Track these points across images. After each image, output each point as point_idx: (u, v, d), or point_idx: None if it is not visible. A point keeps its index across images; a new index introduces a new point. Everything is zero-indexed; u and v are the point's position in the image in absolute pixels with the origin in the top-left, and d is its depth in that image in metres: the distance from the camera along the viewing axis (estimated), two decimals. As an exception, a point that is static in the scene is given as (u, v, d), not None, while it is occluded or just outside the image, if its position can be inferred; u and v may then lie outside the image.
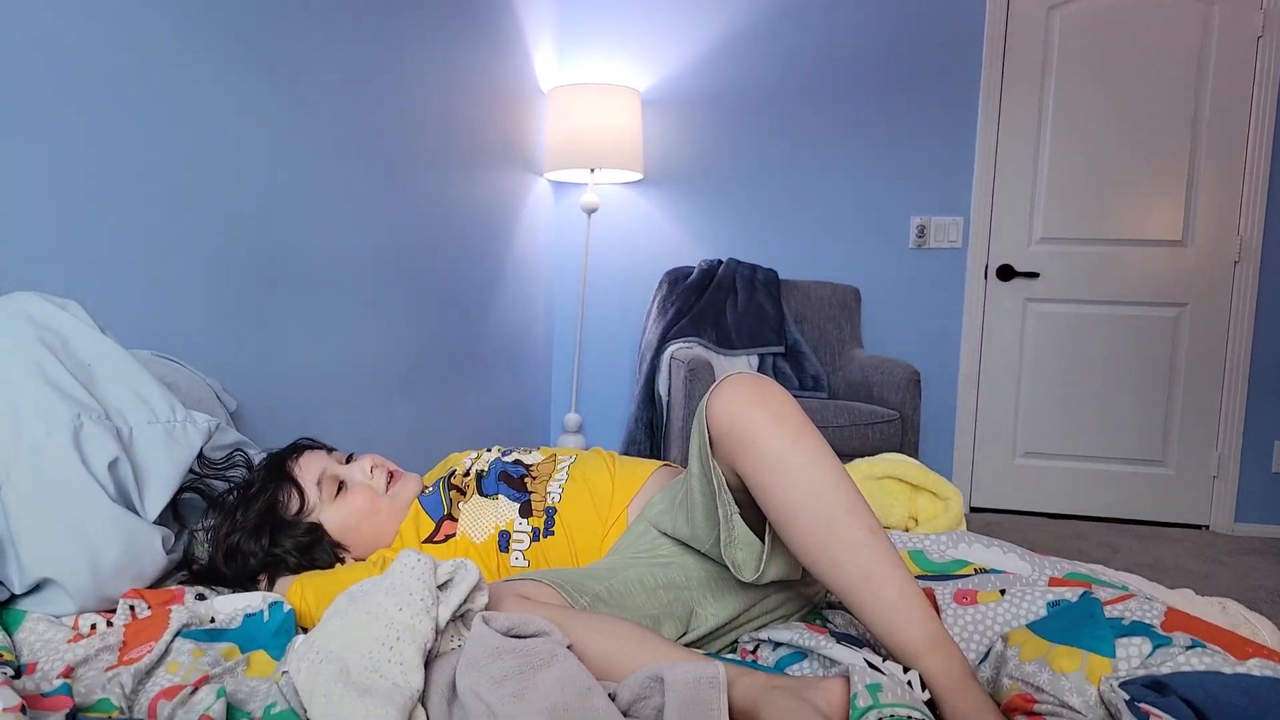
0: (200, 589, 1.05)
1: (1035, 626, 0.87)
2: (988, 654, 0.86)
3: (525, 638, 0.78)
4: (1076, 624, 0.84)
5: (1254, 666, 0.71)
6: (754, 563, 0.91)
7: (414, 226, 2.39)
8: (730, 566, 0.92)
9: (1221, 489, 3.34)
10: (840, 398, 3.15)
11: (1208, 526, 3.37)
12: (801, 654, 0.89)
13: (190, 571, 1.13)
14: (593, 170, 3.46)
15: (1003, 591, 0.93)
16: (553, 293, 3.77)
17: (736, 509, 0.92)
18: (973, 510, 3.54)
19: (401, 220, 2.32)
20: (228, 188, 1.68)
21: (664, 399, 3.18)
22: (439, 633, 0.80)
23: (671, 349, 3.17)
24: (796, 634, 0.89)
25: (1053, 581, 0.95)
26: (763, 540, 0.91)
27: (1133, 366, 3.40)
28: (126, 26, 1.44)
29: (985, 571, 1.01)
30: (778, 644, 0.92)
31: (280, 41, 1.80)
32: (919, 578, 1.06)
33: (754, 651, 0.94)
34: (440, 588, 0.83)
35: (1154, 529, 3.35)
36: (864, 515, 0.87)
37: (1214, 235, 3.31)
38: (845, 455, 2.71)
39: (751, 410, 0.89)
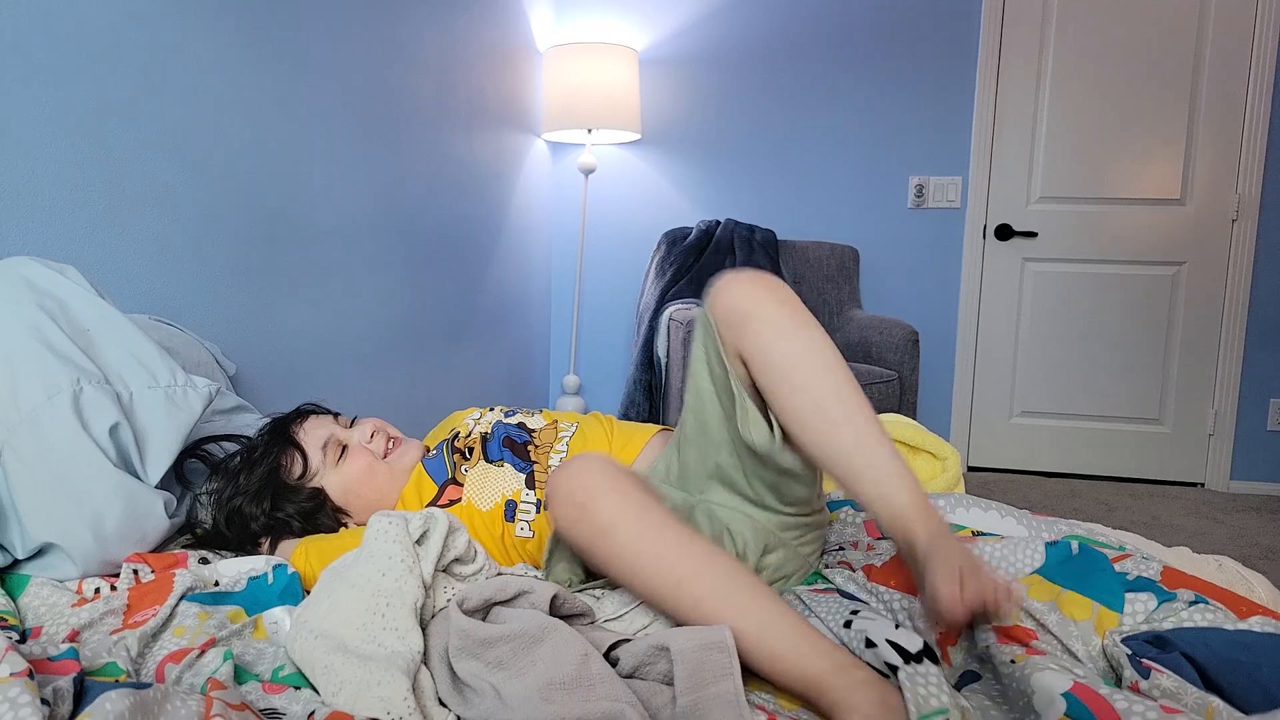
0: (204, 553, 1.06)
1: (1045, 572, 0.88)
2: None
3: (509, 602, 0.77)
4: (1086, 573, 0.84)
5: (1255, 624, 0.72)
6: (767, 433, 0.93)
7: (411, 187, 2.37)
8: (747, 440, 0.94)
9: (1217, 447, 3.36)
10: (838, 359, 3.15)
11: (1204, 484, 3.40)
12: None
13: (194, 535, 1.14)
14: (590, 131, 3.42)
15: (1002, 539, 0.94)
16: (551, 254, 3.75)
17: (745, 390, 0.95)
18: (970, 469, 3.56)
19: (399, 181, 2.30)
20: (226, 150, 1.66)
21: (662, 360, 3.17)
22: (428, 589, 0.80)
23: (670, 310, 3.16)
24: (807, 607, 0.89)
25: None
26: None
27: (1129, 325, 3.40)
28: (112, -16, 1.41)
29: (982, 534, 1.02)
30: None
31: (276, 6, 1.76)
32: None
33: None
34: (417, 543, 0.83)
35: (1150, 487, 3.38)
36: (856, 387, 0.93)
37: (1212, 193, 3.29)
38: (843, 416, 2.72)
39: (755, 288, 0.95)
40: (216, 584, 0.98)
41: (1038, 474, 3.51)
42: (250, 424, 1.40)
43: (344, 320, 2.07)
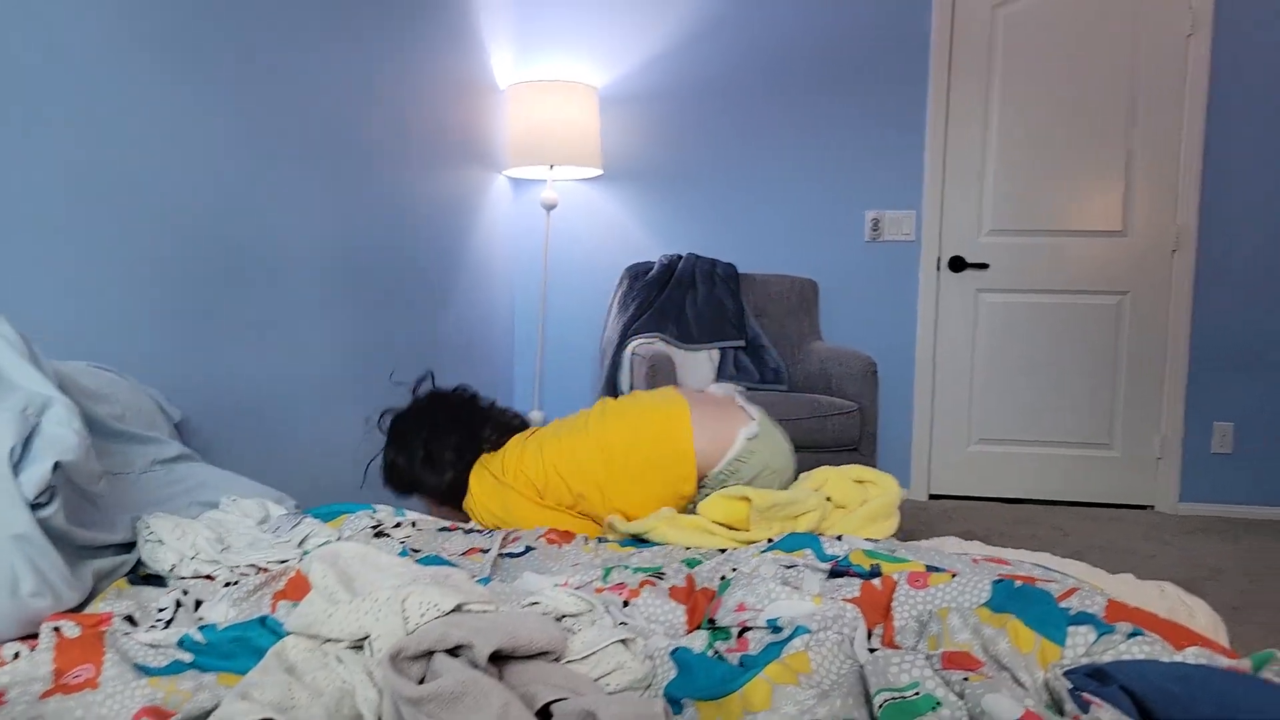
0: (129, 610, 1.03)
1: (992, 605, 0.92)
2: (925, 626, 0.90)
3: (450, 651, 0.77)
4: (1031, 606, 0.89)
5: (1190, 655, 0.76)
6: None
7: (370, 224, 2.39)
8: None
9: (1165, 470, 3.47)
10: (800, 390, 3.21)
11: (1153, 507, 3.50)
12: (794, 632, 0.90)
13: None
14: (551, 167, 3.47)
15: (954, 575, 0.99)
16: (514, 289, 3.77)
17: None
18: (931, 498, 3.64)
19: (357, 218, 2.31)
20: (172, 188, 1.66)
21: (626, 394, 3.21)
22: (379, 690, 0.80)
23: (633, 345, 3.20)
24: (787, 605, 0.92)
25: (1001, 576, 1.00)
26: None
27: (1079, 353, 3.51)
28: (60, 17, 1.43)
29: (933, 569, 1.07)
30: (776, 627, 0.93)
31: (228, 38, 1.78)
32: (873, 566, 1.10)
33: (741, 636, 0.96)
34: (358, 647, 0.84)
35: (1103, 510, 3.48)
36: None
37: (1152, 225, 3.43)
38: (808, 447, 2.78)
39: None
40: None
41: (996, 500, 3.59)
42: (195, 472, 1.41)
43: (299, 361, 2.08)
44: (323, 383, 2.16)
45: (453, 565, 1.22)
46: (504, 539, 1.38)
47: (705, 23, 3.60)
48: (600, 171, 3.59)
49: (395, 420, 1.77)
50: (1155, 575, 2.71)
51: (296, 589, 1.08)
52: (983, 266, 3.54)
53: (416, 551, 1.33)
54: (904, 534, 3.08)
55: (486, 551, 1.33)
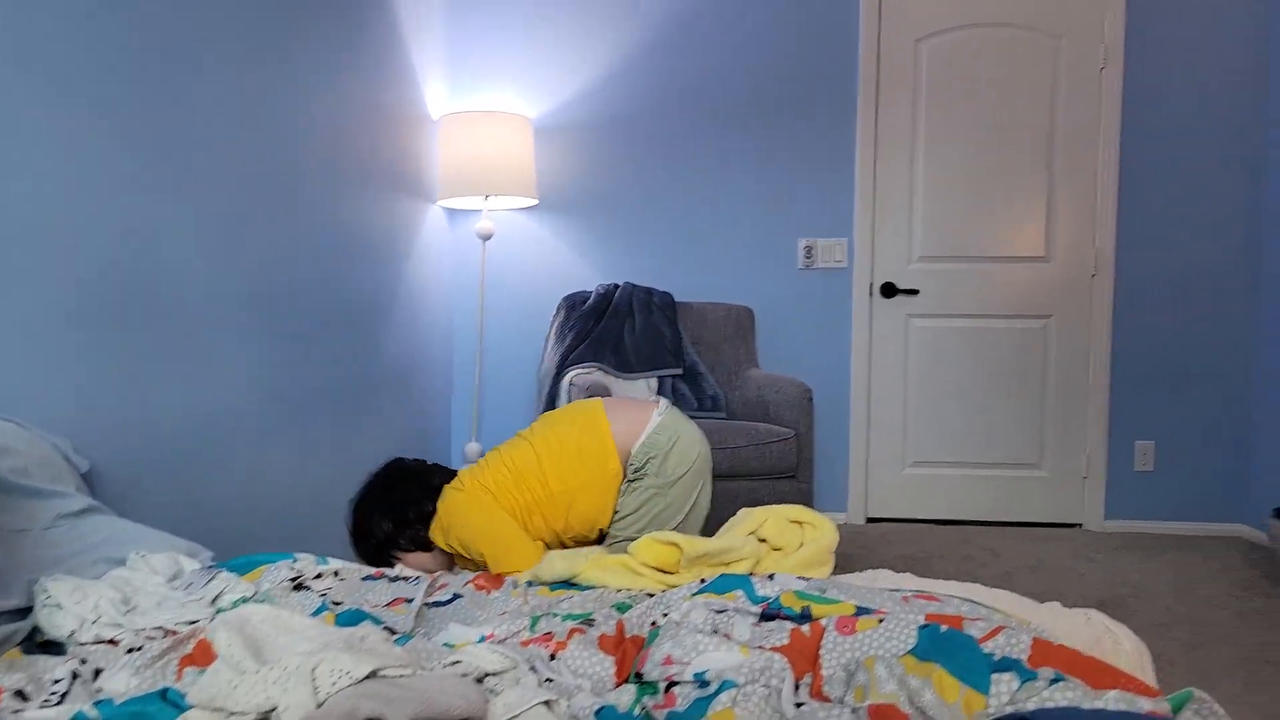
0: (20, 684, 0.96)
1: (917, 653, 0.92)
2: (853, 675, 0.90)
3: None
4: (956, 653, 0.89)
5: (1111, 700, 0.77)
6: None
7: (300, 257, 2.33)
8: None
9: (1091, 488, 3.56)
10: (738, 417, 3.22)
11: (1081, 525, 3.59)
12: (721, 687, 0.89)
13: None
14: (486, 197, 3.44)
15: (881, 620, 0.98)
16: (450, 321, 3.72)
17: None
18: (868, 521, 3.67)
19: (285, 250, 2.25)
20: (74, 222, 1.59)
21: (564, 426, 3.17)
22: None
23: (570, 374, 3.17)
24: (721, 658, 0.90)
25: (928, 617, 1.00)
26: None
27: (1007, 375, 3.59)
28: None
29: (863, 610, 1.06)
30: (703, 681, 0.91)
31: (135, 66, 1.73)
32: (804, 609, 1.10)
33: (668, 691, 0.94)
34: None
35: (1034, 530, 3.55)
36: None
37: (1072, 251, 3.54)
38: (746, 475, 2.78)
39: None
40: None
41: (932, 522, 3.64)
42: (102, 526, 1.35)
43: (221, 402, 2.00)
44: (248, 423, 2.09)
45: (374, 620, 1.18)
46: (429, 587, 1.34)
47: (639, 53, 3.63)
48: (536, 201, 3.57)
49: (355, 506, 1.93)
50: (1084, 593, 2.77)
51: (205, 654, 1.03)
52: (913, 292, 3.61)
53: (338, 604, 1.29)
54: (842, 558, 3.10)
55: (411, 601, 1.28)
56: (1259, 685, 2.12)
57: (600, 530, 1.86)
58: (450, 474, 1.95)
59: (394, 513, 1.86)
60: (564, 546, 1.90)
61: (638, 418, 1.89)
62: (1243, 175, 3.44)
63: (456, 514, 1.79)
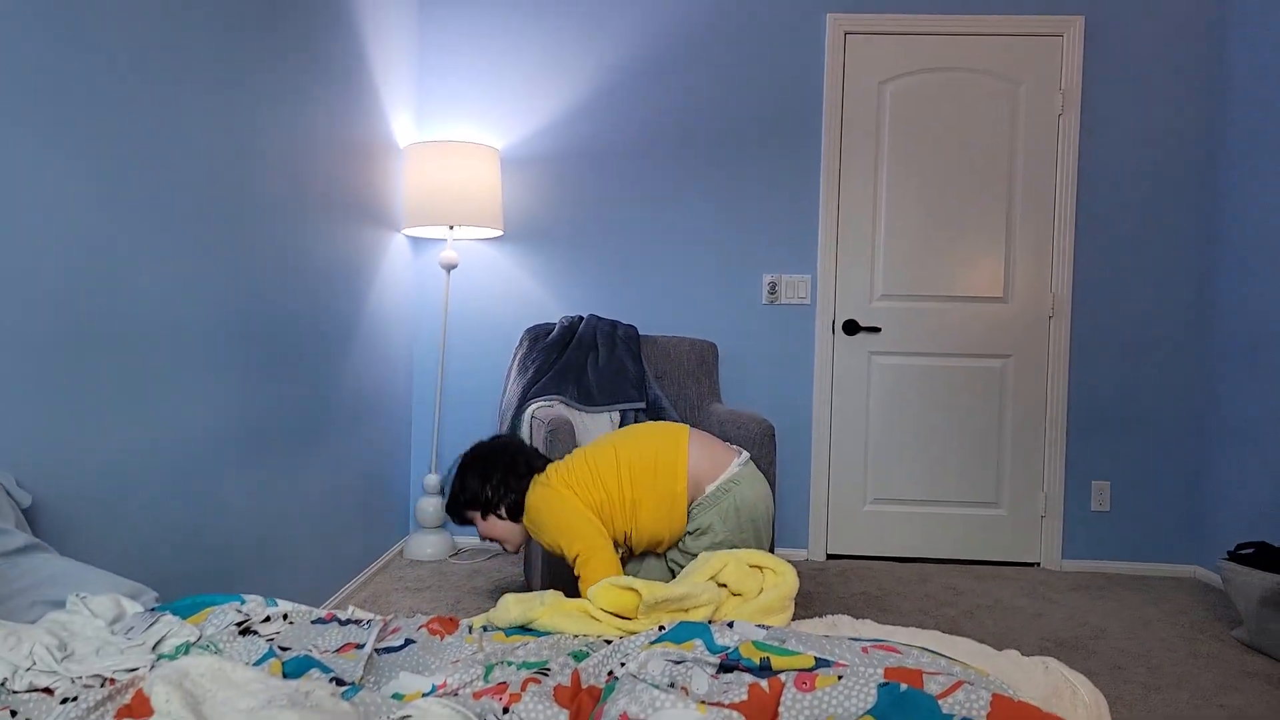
0: None
1: (876, 713, 0.91)
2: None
3: None
4: (915, 714, 0.88)
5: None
6: None
7: (258, 285, 2.29)
8: None
9: (1049, 528, 3.60)
10: (700, 453, 3.21)
11: (1039, 564, 3.62)
12: None
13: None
14: (452, 227, 3.43)
15: (840, 677, 0.97)
16: (412, 351, 3.68)
17: None
18: (829, 557, 3.67)
19: (244, 279, 2.21)
20: (20, 250, 1.55)
21: (526, 460, 3.14)
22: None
23: (532, 407, 3.15)
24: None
25: (887, 671, 0.99)
26: None
27: (966, 414, 3.64)
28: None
29: (822, 660, 1.05)
30: None
31: (100, 93, 1.69)
32: (763, 660, 1.09)
33: None
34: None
35: (992, 568, 3.57)
36: None
37: (1030, 293, 3.61)
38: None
39: None
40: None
41: (892, 559, 3.65)
42: (42, 566, 1.29)
43: (177, 432, 1.95)
44: (201, 457, 2.04)
45: (323, 668, 1.14)
46: (381, 631, 1.30)
47: (608, 88, 3.65)
48: (501, 232, 3.57)
49: (474, 448, 2.33)
50: (1042, 635, 2.79)
51: (143, 706, 0.99)
52: (875, 330, 3.64)
53: (286, 650, 1.25)
54: (803, 595, 3.10)
55: (362, 646, 1.25)
56: (1212, 728, 2.14)
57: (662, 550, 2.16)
58: (544, 461, 2.26)
59: (489, 479, 2.20)
60: (631, 553, 2.24)
61: (720, 460, 2.10)
62: (1195, 222, 3.54)
63: (542, 508, 2.09)
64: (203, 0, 1.99)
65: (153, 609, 1.35)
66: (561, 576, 2.80)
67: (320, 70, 2.65)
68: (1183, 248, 3.55)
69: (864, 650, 1.15)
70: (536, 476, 2.20)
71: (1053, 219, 3.59)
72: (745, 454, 2.14)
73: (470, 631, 1.34)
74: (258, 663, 1.18)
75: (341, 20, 2.81)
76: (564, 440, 2.81)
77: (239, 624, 1.27)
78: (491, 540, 2.30)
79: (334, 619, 1.37)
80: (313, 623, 1.34)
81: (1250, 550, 2.80)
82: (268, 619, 1.32)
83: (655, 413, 3.34)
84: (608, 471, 2.08)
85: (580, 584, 2.00)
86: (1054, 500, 3.60)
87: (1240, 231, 3.38)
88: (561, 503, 2.06)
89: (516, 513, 2.21)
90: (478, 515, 2.25)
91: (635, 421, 3.32)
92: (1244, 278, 3.34)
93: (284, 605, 1.39)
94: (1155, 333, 3.56)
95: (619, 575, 1.98)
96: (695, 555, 1.97)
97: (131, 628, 1.25)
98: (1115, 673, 2.49)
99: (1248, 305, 3.32)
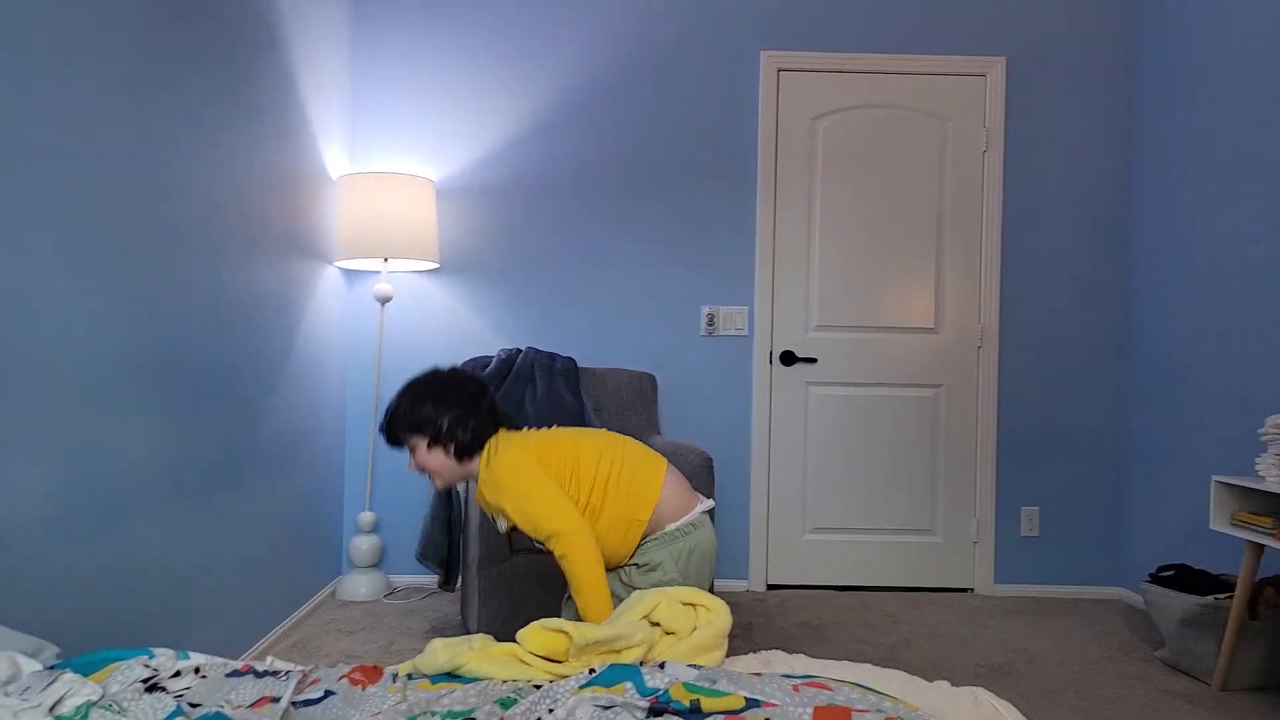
0: None
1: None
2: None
3: None
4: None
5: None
6: None
7: (178, 320, 2.21)
8: None
9: (981, 554, 3.66)
10: (638, 486, 3.19)
11: (973, 589, 3.68)
12: None
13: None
14: (386, 259, 3.38)
15: (768, 719, 0.96)
16: (345, 386, 3.60)
17: None
18: (769, 587, 3.67)
19: (163, 314, 2.14)
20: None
21: (461, 495, 3.09)
22: None
23: (469, 443, 3.09)
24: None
25: (817, 711, 0.99)
26: None
27: (901, 443, 3.69)
28: None
29: (752, 700, 1.04)
30: None
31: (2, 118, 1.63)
32: (693, 702, 1.07)
33: None
34: None
35: (928, 595, 3.61)
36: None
37: (959, 323, 3.69)
38: (643, 547, 2.74)
39: None
40: None
41: (830, 588, 3.67)
42: None
43: (86, 475, 1.86)
44: (115, 500, 1.94)
45: (234, 725, 1.09)
46: (300, 683, 1.25)
47: (544, 121, 3.66)
48: (437, 264, 3.53)
49: (433, 372, 2.05)
50: (976, 660, 2.82)
51: (33, 774, 0.93)
52: (811, 360, 3.69)
53: (195, 707, 1.19)
54: (743, 627, 3.08)
55: (278, 700, 1.20)
56: (1139, 751, 2.18)
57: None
58: (515, 422, 2.06)
59: (448, 409, 1.94)
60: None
61: (686, 502, 2.00)
62: (1111, 255, 3.68)
63: (519, 472, 1.91)
64: (111, 25, 1.93)
65: (52, 666, 1.28)
66: (501, 615, 2.74)
67: (245, 99, 2.59)
68: (1100, 280, 3.68)
69: (795, 688, 1.15)
70: (508, 432, 1.99)
71: (980, 251, 3.69)
72: (710, 501, 2.07)
73: (394, 680, 1.29)
74: (164, 722, 1.13)
75: (267, 49, 2.76)
76: (500, 475, 2.77)
77: (145, 680, 1.21)
78: (421, 471, 2.04)
79: (250, 671, 1.31)
80: (227, 676, 1.29)
81: (1171, 572, 2.88)
82: (177, 674, 1.26)
83: (593, 445, 3.31)
84: (586, 470, 1.93)
85: (566, 564, 1.85)
86: (986, 526, 3.66)
87: (1149, 265, 3.52)
88: (538, 475, 1.90)
89: (464, 454, 1.97)
90: (421, 442, 1.98)
91: (573, 454, 3.29)
92: (1155, 309, 3.48)
93: (196, 658, 1.33)
94: (1077, 362, 3.67)
95: (601, 565, 1.86)
96: (635, 588, 1.88)
97: (28, 688, 1.18)
98: (1047, 696, 2.52)
99: (1158, 336, 3.45)
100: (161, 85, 2.10)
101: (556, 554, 1.87)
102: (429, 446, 1.98)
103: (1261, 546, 2.48)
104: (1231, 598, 2.59)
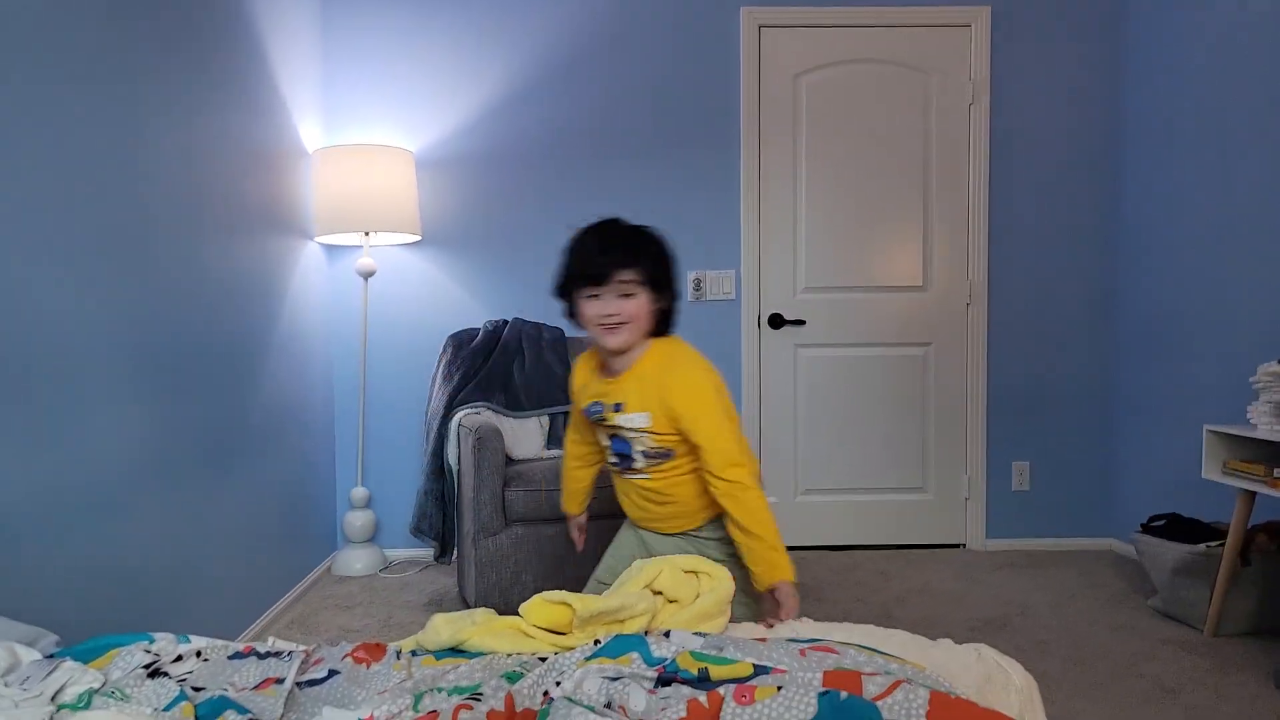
0: None
1: (819, 721, 0.90)
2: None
3: None
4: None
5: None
6: None
7: (160, 302, 2.17)
8: None
9: (973, 509, 3.69)
10: (631, 453, 3.19)
11: (964, 545, 3.71)
12: None
13: None
14: (367, 233, 3.33)
15: (779, 688, 0.96)
16: (332, 362, 3.56)
17: None
18: (763, 549, 3.68)
19: (143, 297, 2.09)
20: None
21: (454, 468, 3.08)
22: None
23: (459, 415, 3.08)
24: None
25: (826, 675, 0.99)
26: None
27: (891, 402, 3.70)
28: None
29: (760, 667, 1.04)
30: None
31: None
32: (700, 671, 1.07)
33: None
34: None
35: (921, 552, 3.65)
36: None
37: (948, 281, 3.69)
38: (639, 514, 2.74)
39: None
40: None
41: (824, 548, 3.69)
42: None
43: (78, 464, 1.84)
44: (107, 488, 1.92)
45: (239, 709, 1.08)
46: (303, 663, 1.24)
47: (525, 86, 3.59)
48: (419, 237, 3.48)
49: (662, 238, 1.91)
50: (970, 615, 2.85)
51: (37, 766, 0.91)
52: (800, 323, 3.67)
53: (199, 690, 1.18)
54: (740, 592, 3.10)
55: (282, 681, 1.19)
56: (1135, 698, 2.22)
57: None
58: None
59: (675, 279, 1.82)
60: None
61: None
62: (1099, 208, 3.67)
63: (719, 390, 1.76)
64: (72, 2, 1.87)
65: (52, 655, 1.26)
66: (499, 587, 2.75)
67: (216, 76, 2.53)
68: (1088, 234, 3.67)
69: (802, 653, 1.15)
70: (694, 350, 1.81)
71: (967, 208, 3.67)
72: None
73: (398, 657, 1.28)
74: (168, 707, 1.12)
75: (236, 23, 2.69)
76: (492, 448, 2.76)
77: (147, 666, 1.20)
78: (611, 318, 1.71)
79: (252, 652, 1.30)
80: (229, 658, 1.27)
81: (1162, 522, 2.91)
82: (179, 658, 1.25)
83: (585, 414, 3.30)
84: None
85: (748, 498, 1.67)
86: (976, 482, 3.69)
87: (1138, 218, 3.52)
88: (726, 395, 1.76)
89: (662, 326, 1.78)
90: (643, 292, 1.72)
91: (565, 425, 3.28)
92: (1144, 261, 3.48)
93: (197, 641, 1.32)
94: (1065, 317, 3.68)
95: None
96: (709, 556, 1.65)
97: (28, 677, 1.16)
98: (1040, 648, 2.56)
99: (1148, 287, 3.45)
100: (127, 64, 2.04)
101: (732, 487, 1.67)
102: (653, 291, 1.75)
103: (1253, 494, 2.51)
104: (1223, 545, 2.62)
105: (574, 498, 2.11)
